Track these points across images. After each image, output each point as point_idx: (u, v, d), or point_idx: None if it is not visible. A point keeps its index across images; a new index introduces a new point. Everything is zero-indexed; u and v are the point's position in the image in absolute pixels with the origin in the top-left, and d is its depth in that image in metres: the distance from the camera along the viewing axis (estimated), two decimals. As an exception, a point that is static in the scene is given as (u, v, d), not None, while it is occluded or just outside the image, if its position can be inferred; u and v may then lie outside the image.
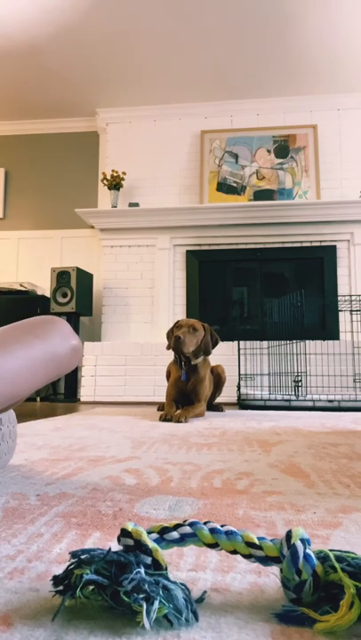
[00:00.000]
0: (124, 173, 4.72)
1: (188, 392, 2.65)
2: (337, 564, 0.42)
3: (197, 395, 2.64)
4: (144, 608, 0.38)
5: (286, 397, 3.32)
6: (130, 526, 0.46)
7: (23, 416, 2.58)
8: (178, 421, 2.22)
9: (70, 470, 1.05)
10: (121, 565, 0.42)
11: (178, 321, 2.65)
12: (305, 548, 0.43)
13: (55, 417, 2.47)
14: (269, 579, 0.50)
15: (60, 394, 4.60)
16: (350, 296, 3.77)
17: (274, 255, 4.65)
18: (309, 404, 3.23)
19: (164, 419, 2.31)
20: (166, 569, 0.44)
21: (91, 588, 0.41)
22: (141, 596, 0.39)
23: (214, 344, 2.69)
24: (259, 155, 4.73)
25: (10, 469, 1.05)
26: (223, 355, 4.14)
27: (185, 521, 0.48)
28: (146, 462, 1.14)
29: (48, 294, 4.82)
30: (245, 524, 0.68)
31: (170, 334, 2.69)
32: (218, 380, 3.02)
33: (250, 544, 0.46)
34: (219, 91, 4.69)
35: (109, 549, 0.44)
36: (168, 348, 2.61)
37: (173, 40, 3.98)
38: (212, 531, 0.47)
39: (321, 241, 4.59)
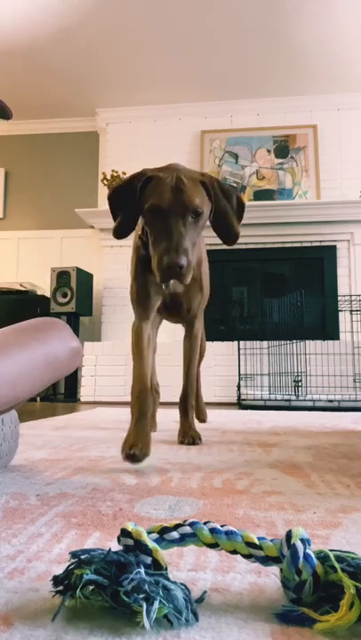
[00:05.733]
0: (123, 173, 4.72)
1: (172, 297, 1.53)
2: (337, 565, 0.42)
3: (190, 303, 1.55)
4: (144, 608, 0.38)
5: (286, 397, 3.32)
6: (130, 526, 0.46)
7: (23, 416, 2.58)
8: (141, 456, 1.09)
9: (70, 470, 1.05)
10: (121, 565, 0.42)
11: (143, 174, 1.23)
12: (305, 548, 0.43)
13: (55, 417, 2.47)
14: (269, 579, 0.50)
15: (60, 394, 4.60)
16: (350, 296, 3.76)
17: (274, 255, 4.65)
18: (309, 403, 3.23)
19: (127, 453, 1.08)
20: (166, 569, 0.44)
21: (91, 588, 0.41)
22: (141, 596, 0.39)
23: (240, 212, 1.37)
24: (259, 155, 4.73)
25: (10, 469, 1.05)
26: (223, 355, 4.14)
27: (185, 521, 0.48)
28: (146, 462, 1.14)
29: (48, 294, 4.82)
30: (245, 524, 0.68)
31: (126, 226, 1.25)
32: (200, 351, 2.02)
33: (250, 544, 0.46)
34: (219, 91, 4.69)
35: (109, 549, 0.44)
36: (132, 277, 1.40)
37: (174, 40, 3.98)
38: (212, 531, 0.47)
39: (321, 241, 4.59)
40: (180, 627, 0.40)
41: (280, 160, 4.68)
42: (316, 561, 0.43)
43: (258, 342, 4.01)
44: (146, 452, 1.09)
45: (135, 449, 1.08)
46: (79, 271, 4.43)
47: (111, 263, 4.80)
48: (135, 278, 1.44)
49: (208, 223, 1.30)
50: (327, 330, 4.45)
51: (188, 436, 1.50)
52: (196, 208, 1.18)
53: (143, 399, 1.23)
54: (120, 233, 1.27)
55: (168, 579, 0.42)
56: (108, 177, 4.76)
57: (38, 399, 4.44)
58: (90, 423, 2.12)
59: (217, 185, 1.30)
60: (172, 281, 1.24)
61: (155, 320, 1.86)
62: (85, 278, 4.57)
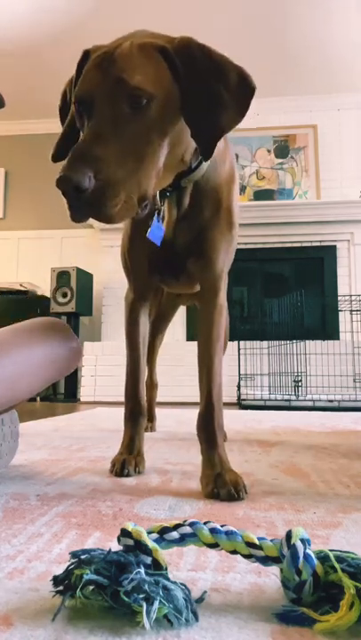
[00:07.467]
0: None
1: (178, 252, 0.98)
2: (337, 565, 0.42)
3: (210, 247, 0.96)
4: (144, 608, 0.38)
5: (286, 397, 3.32)
6: (130, 526, 0.46)
7: (23, 416, 2.58)
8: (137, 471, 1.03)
9: (70, 470, 1.05)
10: (121, 565, 0.42)
11: (87, 49, 0.90)
12: (305, 548, 0.43)
13: (55, 417, 2.47)
14: (269, 579, 0.50)
15: (60, 394, 4.60)
16: (350, 296, 3.77)
17: (274, 255, 4.65)
18: (309, 403, 3.23)
19: (119, 471, 1.00)
20: (166, 569, 0.44)
21: (91, 588, 0.41)
22: (141, 596, 0.39)
23: (242, 97, 0.79)
24: (259, 155, 4.73)
25: (10, 469, 1.05)
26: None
27: (185, 521, 0.48)
28: (146, 462, 1.14)
29: (48, 294, 4.82)
30: (245, 524, 0.68)
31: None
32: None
33: (250, 544, 0.46)
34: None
35: (109, 549, 0.44)
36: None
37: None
38: (212, 531, 0.47)
39: (321, 241, 4.59)
40: (180, 627, 0.40)
41: (280, 160, 4.68)
42: (316, 561, 0.43)
43: (258, 342, 4.01)
44: (141, 471, 1.03)
45: (130, 467, 1.01)
46: (79, 271, 4.43)
47: (111, 263, 4.80)
48: (127, 231, 1.05)
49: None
50: (327, 330, 4.45)
51: (222, 483, 0.82)
52: (132, 89, 0.71)
53: (136, 417, 1.10)
54: (57, 151, 0.91)
55: (168, 579, 0.42)
56: (108, 177, 4.76)
57: (38, 399, 4.44)
58: (90, 423, 2.12)
59: (198, 53, 0.79)
60: (157, 225, 0.75)
61: (168, 308, 1.65)
62: (85, 278, 4.57)
